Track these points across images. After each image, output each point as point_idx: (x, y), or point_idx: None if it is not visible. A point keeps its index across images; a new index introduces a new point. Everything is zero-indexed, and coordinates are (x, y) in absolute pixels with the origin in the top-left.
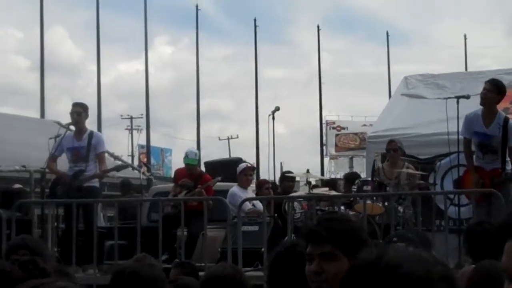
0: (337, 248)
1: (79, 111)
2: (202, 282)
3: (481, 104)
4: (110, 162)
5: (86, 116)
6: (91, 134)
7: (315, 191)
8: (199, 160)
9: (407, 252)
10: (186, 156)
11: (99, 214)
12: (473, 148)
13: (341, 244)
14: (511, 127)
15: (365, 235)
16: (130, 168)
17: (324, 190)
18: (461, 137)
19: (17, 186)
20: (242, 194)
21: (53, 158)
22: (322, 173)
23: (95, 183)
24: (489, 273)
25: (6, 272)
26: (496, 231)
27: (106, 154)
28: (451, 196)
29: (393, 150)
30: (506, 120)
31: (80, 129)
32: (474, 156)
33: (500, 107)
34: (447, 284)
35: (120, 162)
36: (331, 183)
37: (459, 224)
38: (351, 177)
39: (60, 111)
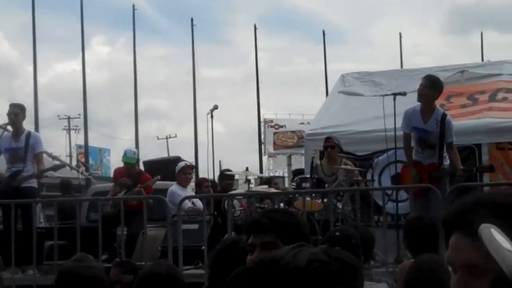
0: (278, 238)
1: (16, 112)
2: (139, 280)
3: (419, 100)
4: (48, 162)
5: (24, 116)
6: (28, 134)
7: (255, 189)
8: (138, 159)
9: (293, 250)
10: (125, 155)
11: (39, 214)
12: (412, 143)
13: (283, 234)
14: (448, 123)
15: (307, 230)
16: (68, 168)
17: (263, 188)
18: (399, 133)
19: None
20: (181, 193)
21: None
22: (261, 171)
23: (33, 183)
24: (428, 266)
25: None
26: (441, 225)
27: (44, 155)
28: (389, 192)
29: (330, 147)
30: (443, 116)
31: (18, 130)
32: (413, 151)
33: (437, 103)
34: (321, 272)
35: (58, 162)
36: (269, 181)
37: (397, 220)
38: (299, 173)
39: None
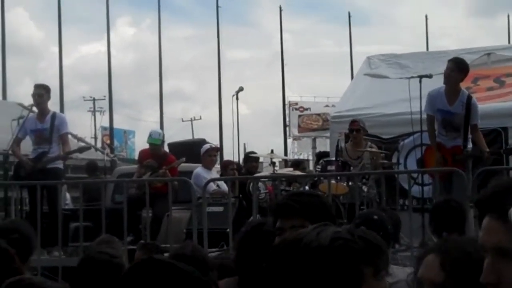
0: (307, 221)
1: (41, 93)
2: None
3: (445, 83)
4: (73, 144)
5: (48, 97)
6: (53, 115)
7: (280, 171)
8: (163, 141)
9: (317, 229)
10: (150, 136)
11: (65, 194)
12: (436, 125)
13: (311, 217)
14: (474, 105)
15: (333, 212)
16: (93, 150)
17: (288, 170)
18: (424, 115)
19: None
20: (206, 175)
21: (17, 141)
22: (286, 154)
23: (59, 164)
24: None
25: None
26: (475, 206)
27: (70, 136)
28: (415, 175)
29: (355, 130)
30: (469, 98)
31: (43, 111)
32: (437, 133)
33: (463, 86)
34: (341, 250)
35: (83, 144)
36: (298, 164)
37: (422, 203)
38: (323, 156)
39: (23, 93)
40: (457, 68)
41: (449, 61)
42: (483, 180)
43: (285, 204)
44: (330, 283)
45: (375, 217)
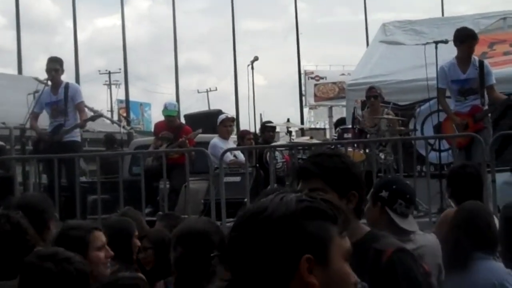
0: (326, 184)
1: (56, 67)
2: (180, 238)
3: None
4: (90, 115)
5: (62, 71)
6: (66, 86)
7: (296, 140)
8: (178, 112)
9: (277, 196)
10: (165, 108)
11: (85, 167)
12: (451, 95)
13: (330, 179)
14: (487, 67)
15: (358, 170)
16: (110, 123)
17: (305, 139)
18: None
19: None
20: (223, 145)
21: (34, 115)
22: (302, 123)
23: (76, 137)
24: (472, 212)
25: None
26: None
27: (86, 109)
28: (432, 141)
29: (373, 96)
30: (481, 62)
31: (57, 83)
32: (452, 103)
33: (479, 51)
34: (309, 214)
35: (93, 113)
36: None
37: (440, 169)
38: (341, 122)
39: (38, 68)
40: (472, 40)
41: (462, 39)
42: (500, 145)
43: (303, 167)
44: (303, 244)
45: (394, 186)
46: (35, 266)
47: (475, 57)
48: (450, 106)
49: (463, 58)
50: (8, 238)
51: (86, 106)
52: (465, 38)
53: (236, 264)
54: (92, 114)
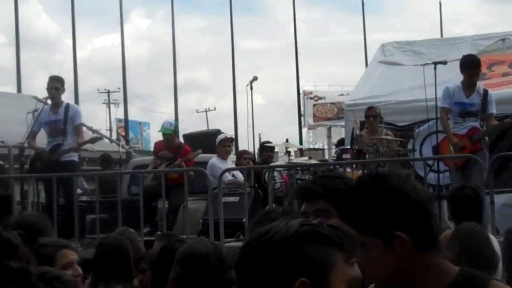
0: (330, 205)
1: (57, 86)
2: (179, 259)
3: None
4: (88, 135)
5: (63, 90)
6: (67, 106)
7: (295, 161)
8: (176, 131)
9: (284, 220)
10: (162, 126)
11: (82, 186)
12: (450, 117)
13: (335, 200)
14: (490, 96)
15: None
16: (109, 142)
17: (304, 159)
18: (439, 103)
19: None
20: (221, 165)
21: (32, 134)
22: (301, 143)
23: (74, 156)
24: (468, 234)
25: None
26: None
27: (84, 128)
28: (430, 162)
29: (372, 116)
30: (485, 90)
31: (57, 103)
32: (451, 124)
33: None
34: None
35: (95, 135)
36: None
37: (438, 190)
38: (343, 143)
39: (37, 86)
40: (476, 68)
41: (467, 66)
42: (499, 166)
43: (307, 188)
44: (300, 267)
45: None
46: None
47: (481, 85)
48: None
49: (468, 84)
50: None
51: (85, 126)
52: (469, 65)
53: (242, 282)
54: (91, 133)
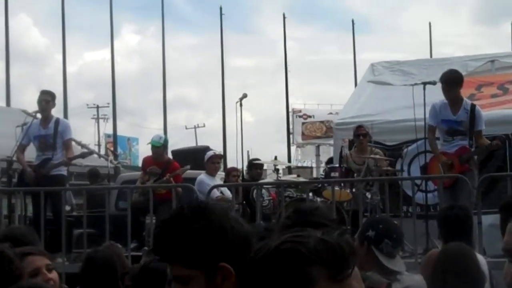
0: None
1: (47, 99)
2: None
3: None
4: (77, 150)
5: (53, 104)
6: (57, 121)
7: (283, 178)
8: (166, 146)
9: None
10: (152, 139)
11: (70, 200)
12: (439, 135)
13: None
14: (478, 112)
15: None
16: (97, 157)
17: (292, 177)
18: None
19: None
20: (210, 182)
21: (21, 148)
22: (289, 161)
23: (63, 171)
24: (455, 254)
25: None
26: (500, 210)
27: (73, 142)
28: (418, 182)
29: (362, 135)
30: (473, 105)
31: (47, 117)
32: (440, 142)
33: (467, 93)
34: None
35: (85, 150)
36: None
37: (426, 210)
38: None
39: (26, 100)
40: (447, 85)
41: (441, 81)
42: (487, 187)
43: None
44: (275, 284)
45: (381, 226)
46: None
47: (467, 100)
48: (438, 146)
49: (452, 100)
50: None
51: (74, 140)
52: (443, 80)
53: None
54: (80, 148)
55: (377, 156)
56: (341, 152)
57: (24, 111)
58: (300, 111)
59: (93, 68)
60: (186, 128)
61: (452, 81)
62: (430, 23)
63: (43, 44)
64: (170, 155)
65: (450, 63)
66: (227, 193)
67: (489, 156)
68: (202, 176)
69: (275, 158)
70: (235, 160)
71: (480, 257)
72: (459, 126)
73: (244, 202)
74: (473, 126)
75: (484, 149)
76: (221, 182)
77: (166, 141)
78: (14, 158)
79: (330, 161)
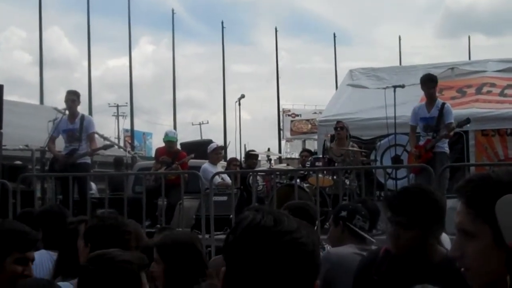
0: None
1: (73, 98)
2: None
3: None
4: (99, 142)
5: (79, 102)
6: (82, 117)
7: (275, 166)
8: (177, 140)
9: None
10: (167, 135)
11: (91, 185)
12: (420, 131)
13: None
14: (446, 108)
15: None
16: (117, 148)
17: (282, 166)
18: (398, 120)
19: (18, 162)
20: (212, 170)
21: (52, 139)
22: (280, 152)
23: (87, 160)
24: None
25: (26, 232)
26: (455, 193)
27: (96, 135)
28: (389, 170)
29: (340, 128)
30: (443, 103)
31: (73, 113)
32: (421, 138)
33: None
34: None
35: (107, 142)
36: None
37: None
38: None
39: (57, 100)
40: (426, 82)
41: (422, 82)
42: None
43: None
44: None
45: (350, 206)
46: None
47: (440, 100)
48: (419, 141)
49: (429, 99)
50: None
51: (97, 134)
52: (423, 81)
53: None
54: (102, 140)
55: (355, 148)
56: (324, 145)
57: (55, 108)
58: (289, 110)
59: (114, 73)
60: (193, 124)
61: (430, 79)
62: (400, 37)
63: (72, 52)
64: (179, 147)
65: (416, 70)
66: (227, 179)
67: (449, 148)
68: (206, 165)
69: (268, 150)
70: (234, 152)
71: (444, 235)
72: (432, 122)
73: (242, 187)
74: (442, 121)
75: (443, 136)
76: (222, 170)
77: (176, 135)
78: (46, 149)
79: (304, 151)
